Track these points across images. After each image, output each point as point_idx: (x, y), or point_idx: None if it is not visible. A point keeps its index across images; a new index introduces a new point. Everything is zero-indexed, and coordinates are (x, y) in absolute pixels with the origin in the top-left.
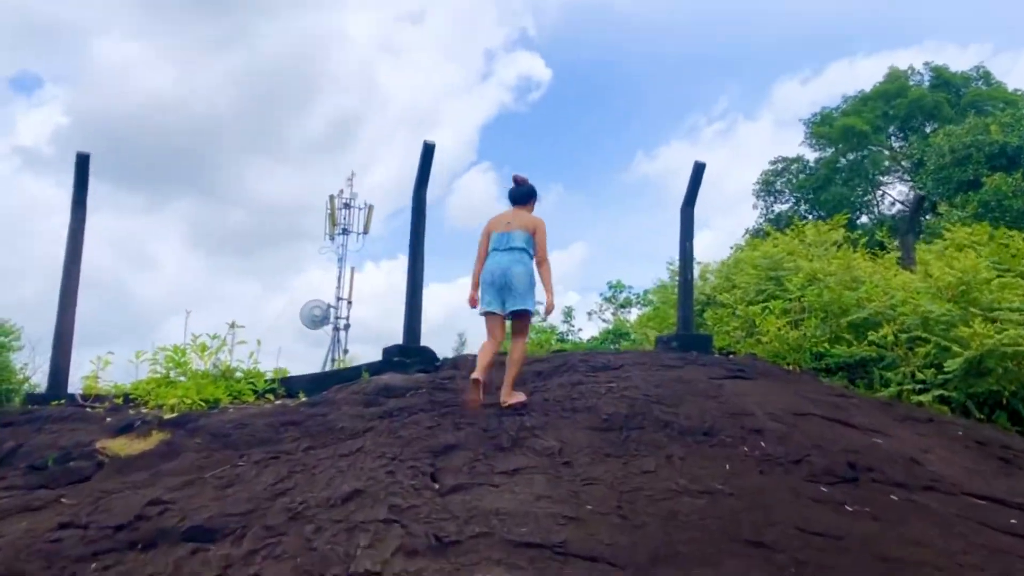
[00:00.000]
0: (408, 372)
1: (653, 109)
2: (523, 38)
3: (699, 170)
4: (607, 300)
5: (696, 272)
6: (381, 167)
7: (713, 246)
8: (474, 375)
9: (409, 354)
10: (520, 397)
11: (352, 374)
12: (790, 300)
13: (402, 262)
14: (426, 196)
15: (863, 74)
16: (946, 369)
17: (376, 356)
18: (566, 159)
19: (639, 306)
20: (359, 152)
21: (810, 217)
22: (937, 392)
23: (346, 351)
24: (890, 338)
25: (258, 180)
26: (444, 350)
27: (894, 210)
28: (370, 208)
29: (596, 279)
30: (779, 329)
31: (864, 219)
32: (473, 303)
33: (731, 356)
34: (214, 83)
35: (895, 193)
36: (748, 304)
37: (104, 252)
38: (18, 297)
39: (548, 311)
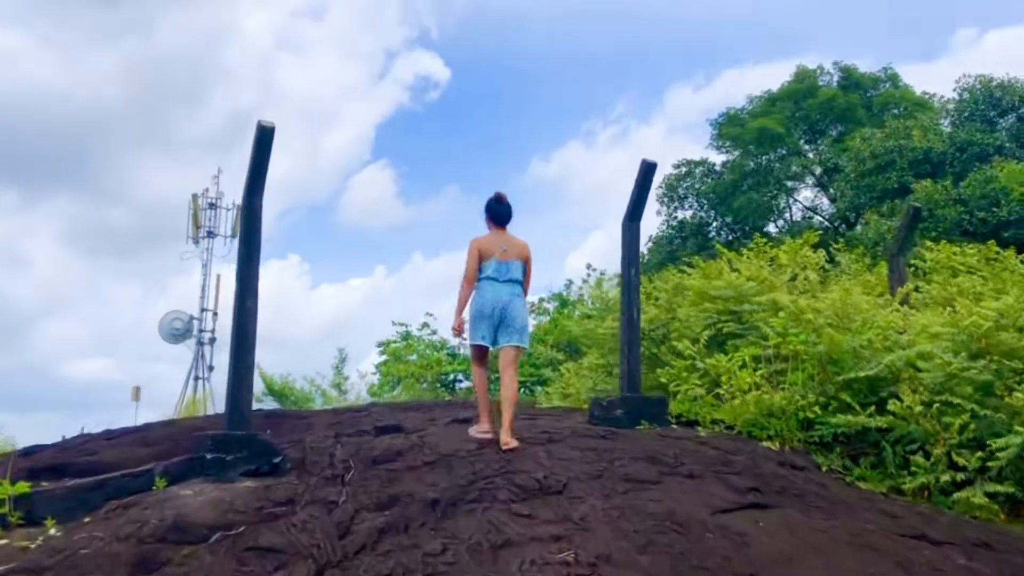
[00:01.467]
0: (227, 477)
1: (550, 112)
2: (423, 38)
3: (648, 172)
4: None
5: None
6: (274, 165)
7: (608, 251)
8: (489, 431)
9: (231, 447)
10: (516, 443)
11: (139, 483)
12: (764, 346)
13: (293, 263)
14: (261, 205)
15: (752, 83)
16: (995, 451)
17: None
18: (462, 160)
19: (533, 315)
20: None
21: (714, 225)
22: (989, 488)
23: (211, 368)
24: (917, 407)
25: (144, 177)
26: (323, 365)
27: (800, 218)
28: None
29: None
30: (755, 387)
31: (772, 227)
32: (459, 330)
33: (697, 429)
34: (101, 75)
35: (802, 199)
36: (694, 343)
37: None
38: None
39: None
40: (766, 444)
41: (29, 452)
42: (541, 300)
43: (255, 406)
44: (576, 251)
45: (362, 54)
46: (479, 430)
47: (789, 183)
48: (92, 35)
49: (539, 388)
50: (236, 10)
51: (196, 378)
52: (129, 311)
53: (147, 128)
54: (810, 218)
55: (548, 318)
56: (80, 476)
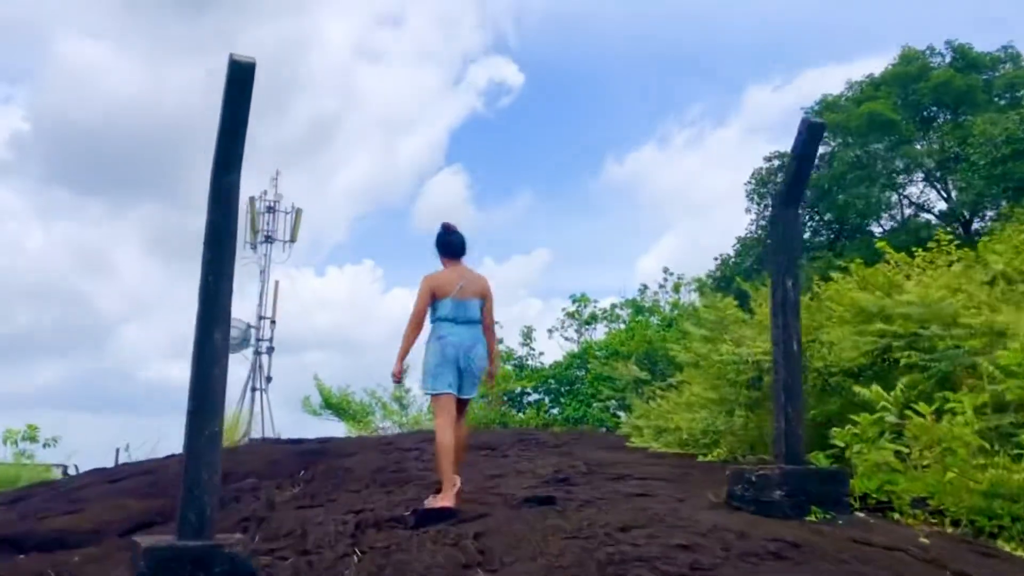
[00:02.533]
0: None
1: (624, 114)
2: (499, 43)
3: (813, 135)
4: (570, 316)
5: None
6: (354, 170)
7: (680, 255)
8: (453, 487)
9: (181, 569)
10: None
11: None
12: (991, 391)
13: (367, 267)
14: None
15: (832, 83)
16: None
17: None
18: (535, 164)
19: (605, 322)
20: (334, 155)
21: (810, 224)
22: None
23: (269, 378)
24: None
25: (280, 192)
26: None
27: (908, 216)
28: (297, 212)
29: (558, 285)
30: (994, 461)
31: (876, 227)
32: (398, 377)
33: (896, 519)
34: (185, 86)
35: (912, 195)
36: (845, 375)
37: (61, 259)
38: None
39: (491, 378)
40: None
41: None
42: (613, 307)
43: (305, 429)
44: (647, 254)
45: (439, 60)
46: (443, 501)
47: (900, 177)
48: (177, 47)
49: (621, 414)
50: (317, 20)
51: (253, 389)
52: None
53: None
54: (916, 216)
55: (622, 326)
56: (38, 550)
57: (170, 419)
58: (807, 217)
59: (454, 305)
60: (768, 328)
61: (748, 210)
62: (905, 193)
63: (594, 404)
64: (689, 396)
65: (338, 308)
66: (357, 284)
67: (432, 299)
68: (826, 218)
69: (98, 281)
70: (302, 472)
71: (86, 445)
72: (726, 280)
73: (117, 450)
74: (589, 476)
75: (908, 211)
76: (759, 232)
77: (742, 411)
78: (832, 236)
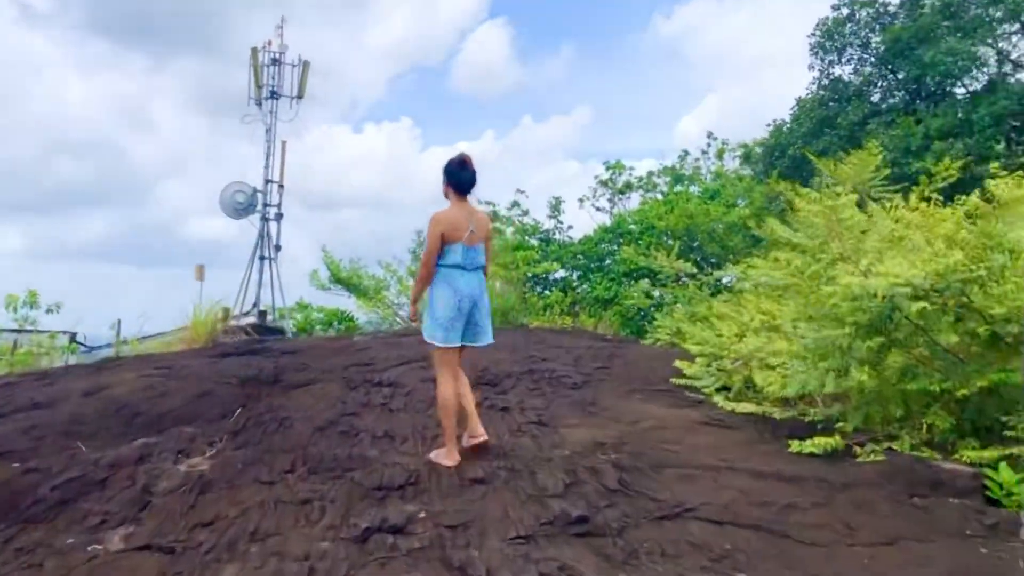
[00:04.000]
0: None
1: None
2: None
3: None
4: (603, 184)
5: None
6: (386, 26)
7: (725, 118)
8: (457, 457)
9: None
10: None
11: None
12: None
13: (405, 126)
14: None
15: None
16: None
17: None
18: (581, 16)
19: (640, 191)
20: (372, 10)
21: (880, 84)
22: None
23: (278, 247)
24: None
25: (269, 38)
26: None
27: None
28: (305, 64)
29: (597, 147)
30: None
31: (960, 89)
32: (415, 318)
33: None
34: None
35: (1005, 50)
36: None
37: (102, 113)
38: (9, 155)
39: None
40: None
41: None
42: (650, 174)
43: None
44: (689, 115)
45: None
46: (449, 457)
47: (998, 27)
48: None
49: (657, 295)
50: None
51: (261, 258)
52: (245, 171)
53: None
54: (1012, 75)
55: (660, 195)
56: None
57: (211, 269)
58: (876, 77)
59: (464, 251)
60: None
61: (811, 67)
62: (999, 47)
63: (624, 284)
64: (758, 323)
65: (375, 166)
66: (395, 142)
67: (442, 243)
68: (899, 76)
69: (138, 135)
70: (235, 413)
71: (127, 300)
72: (780, 149)
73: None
74: (632, 498)
75: (1005, 69)
76: (823, 93)
77: (860, 368)
78: (908, 98)
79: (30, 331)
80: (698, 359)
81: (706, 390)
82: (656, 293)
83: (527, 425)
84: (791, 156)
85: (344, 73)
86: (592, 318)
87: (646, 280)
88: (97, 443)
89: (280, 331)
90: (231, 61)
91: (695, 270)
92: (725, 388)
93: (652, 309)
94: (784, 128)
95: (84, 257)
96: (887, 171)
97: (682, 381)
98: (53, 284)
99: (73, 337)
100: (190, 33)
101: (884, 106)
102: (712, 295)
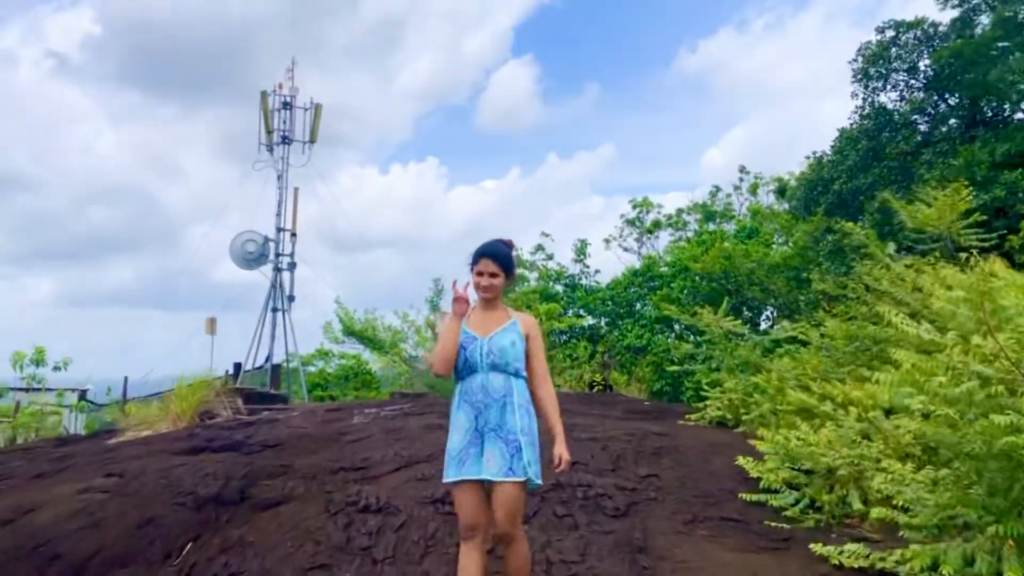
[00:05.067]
0: None
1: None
2: None
3: None
4: (630, 223)
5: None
6: (414, 67)
7: (752, 149)
8: None
9: None
10: None
11: None
12: None
13: (432, 165)
14: None
15: None
16: None
17: None
18: (606, 54)
19: (669, 229)
20: (400, 54)
21: (932, 112)
22: None
23: (291, 298)
24: None
25: (279, 81)
26: (456, 270)
27: None
28: (317, 108)
29: (622, 182)
30: None
31: (1020, 115)
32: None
33: None
34: None
35: None
36: None
37: (133, 161)
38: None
39: None
40: None
41: None
42: (679, 212)
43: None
44: (715, 147)
45: None
46: None
47: None
48: None
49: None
50: None
51: (273, 310)
52: (262, 219)
53: (299, 39)
54: None
55: (690, 234)
56: None
57: (236, 312)
58: (926, 103)
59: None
60: None
61: (854, 95)
62: None
63: (659, 334)
64: (853, 423)
65: (402, 206)
66: (421, 182)
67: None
68: (951, 103)
69: (167, 182)
70: (181, 554)
71: (154, 344)
72: (822, 183)
73: (125, 379)
74: None
75: None
76: (867, 122)
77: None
78: (963, 126)
79: (38, 389)
80: (768, 457)
81: (788, 511)
82: (700, 348)
83: None
84: (836, 191)
85: (371, 115)
86: (624, 375)
87: (688, 343)
88: None
89: (281, 398)
90: (257, 108)
91: (744, 329)
92: (811, 505)
93: (689, 360)
94: (825, 161)
95: (114, 302)
96: (977, 215)
97: (754, 497)
98: (80, 331)
99: (83, 395)
100: (219, 79)
101: (937, 134)
102: (765, 353)
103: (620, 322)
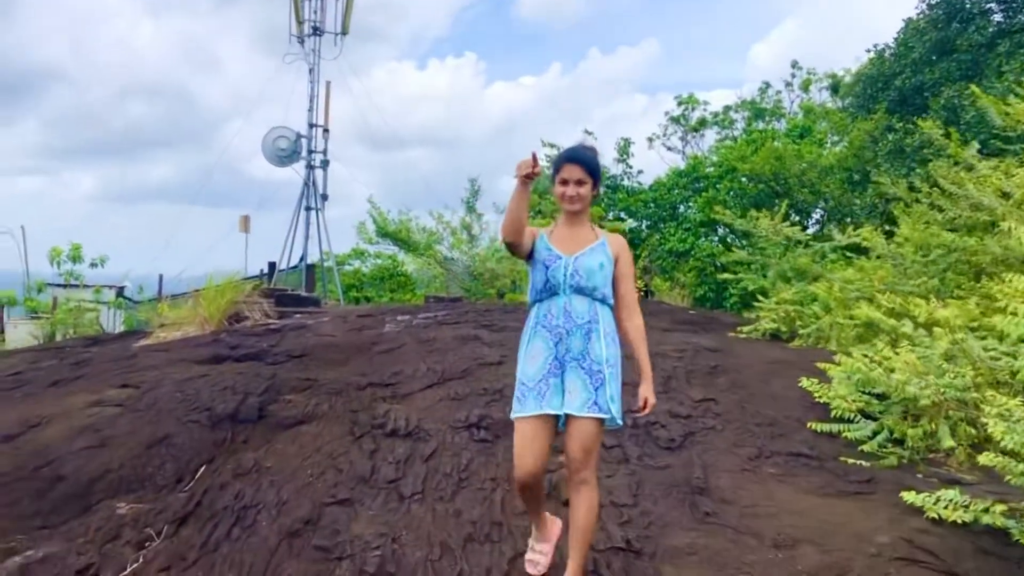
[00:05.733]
0: None
1: None
2: None
3: None
4: (674, 121)
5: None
6: None
7: (804, 43)
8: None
9: None
10: None
11: None
12: None
13: (470, 60)
14: None
15: None
16: None
17: None
18: None
19: (715, 128)
20: None
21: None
22: None
23: (324, 196)
24: None
25: None
26: (491, 167)
27: None
28: None
29: (666, 78)
30: None
31: None
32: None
33: None
34: None
35: None
36: None
37: (170, 54)
38: (85, 100)
39: None
40: None
41: None
42: (727, 109)
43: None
44: (762, 42)
45: None
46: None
47: None
48: None
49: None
50: None
51: (307, 208)
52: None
53: None
54: None
55: (737, 132)
56: None
57: (272, 210)
58: None
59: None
60: None
61: None
62: None
63: (703, 238)
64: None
65: (439, 103)
66: (459, 78)
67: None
68: None
69: (204, 76)
70: (193, 477)
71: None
72: (884, 79)
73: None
74: None
75: None
76: (937, 12)
77: None
78: None
79: (75, 286)
80: (837, 381)
81: (865, 446)
82: (749, 254)
83: (609, 555)
84: (897, 87)
85: (409, 7)
86: (666, 280)
87: (744, 248)
88: None
89: (314, 301)
90: None
91: (802, 232)
92: (893, 439)
93: (739, 267)
94: (887, 54)
95: (154, 198)
96: None
97: (825, 427)
98: (120, 227)
99: (120, 292)
100: None
101: (1015, 24)
102: (819, 260)
103: (662, 225)
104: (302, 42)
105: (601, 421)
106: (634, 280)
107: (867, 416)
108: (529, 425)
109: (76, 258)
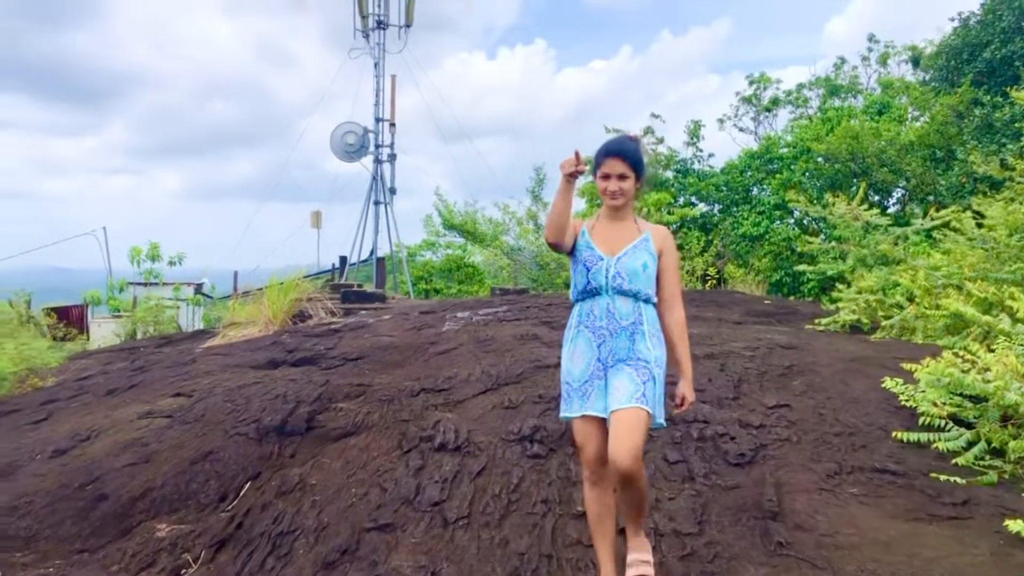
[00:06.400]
0: None
1: None
2: None
3: None
4: (746, 101)
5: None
6: None
7: (884, 16)
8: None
9: None
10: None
11: None
12: None
13: (539, 48)
14: None
15: None
16: None
17: None
18: None
19: (789, 107)
20: None
21: None
22: None
23: (392, 190)
24: None
25: None
26: (563, 155)
27: None
28: None
29: (739, 57)
30: None
31: None
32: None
33: None
34: None
35: None
36: None
37: (248, 53)
38: (168, 100)
39: None
40: None
41: None
42: (800, 87)
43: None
44: (838, 16)
45: None
46: None
47: None
48: None
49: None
50: None
51: (376, 203)
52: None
53: None
54: None
55: (812, 111)
56: None
57: (344, 204)
58: None
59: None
60: None
61: None
62: None
63: (777, 221)
64: None
65: (509, 92)
66: (529, 66)
67: None
68: None
69: (282, 74)
70: (237, 495)
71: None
72: (970, 49)
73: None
74: None
75: None
76: None
77: None
78: None
79: (155, 284)
80: (924, 382)
81: (960, 458)
82: (827, 241)
83: None
84: (985, 59)
85: None
86: (740, 266)
87: (819, 237)
88: (24, 556)
89: (379, 296)
90: None
91: (886, 220)
92: (991, 449)
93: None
94: (972, 24)
95: (236, 195)
96: None
97: (913, 436)
98: (204, 224)
99: (198, 288)
100: None
101: None
102: (900, 243)
103: (735, 209)
104: (367, 37)
105: (647, 414)
106: (679, 272)
107: (960, 423)
108: (581, 422)
109: (155, 257)
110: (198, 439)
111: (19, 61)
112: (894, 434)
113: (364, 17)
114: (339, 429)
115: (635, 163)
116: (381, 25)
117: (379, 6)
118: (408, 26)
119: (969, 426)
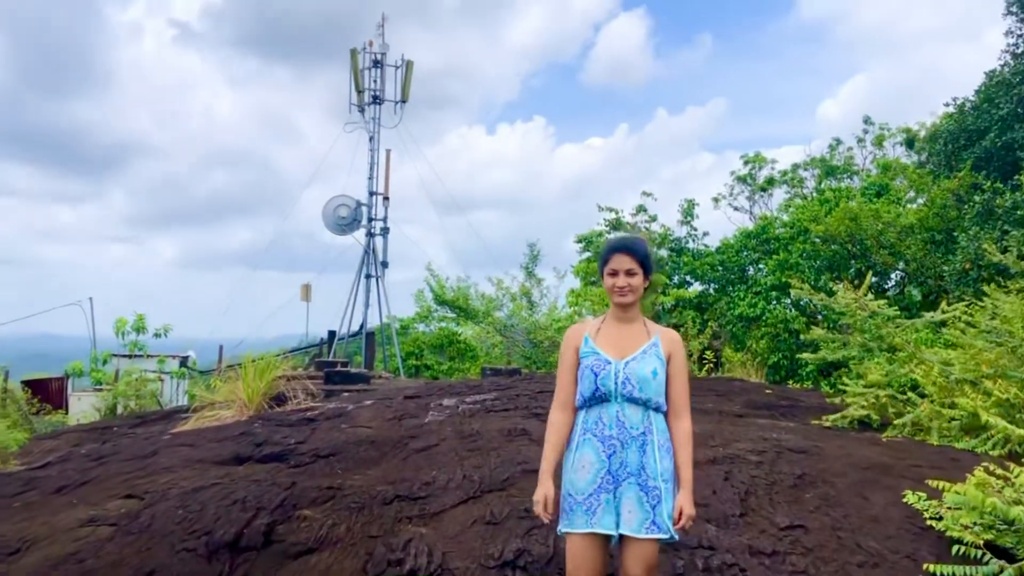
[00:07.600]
0: None
1: None
2: None
3: None
4: (741, 180)
5: None
6: (521, 25)
7: (874, 99)
8: None
9: None
10: None
11: None
12: None
13: (538, 125)
14: None
15: None
16: None
17: None
18: (720, 4)
19: (784, 187)
20: (509, 13)
21: None
22: None
23: (384, 264)
24: None
25: (407, 46)
26: (561, 228)
27: None
28: (408, 65)
29: (733, 137)
30: None
31: None
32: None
33: None
34: None
35: None
36: None
37: (250, 125)
38: (169, 169)
39: None
40: None
41: None
42: (795, 167)
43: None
44: (831, 99)
45: None
46: None
47: None
48: None
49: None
50: None
51: (367, 276)
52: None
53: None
54: None
55: (807, 191)
56: None
57: (335, 275)
58: None
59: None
60: None
61: (1009, 32)
62: None
63: (774, 302)
64: None
65: (509, 166)
66: (527, 141)
67: None
68: None
69: (283, 145)
70: None
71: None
72: (967, 134)
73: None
74: None
75: None
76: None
77: None
78: None
79: (140, 356)
80: (950, 502)
81: None
82: (828, 326)
83: None
84: (985, 146)
85: (479, 74)
86: (737, 349)
87: (818, 318)
88: None
89: (363, 378)
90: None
91: (889, 307)
92: None
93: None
94: (968, 109)
95: (232, 263)
96: None
97: (947, 571)
98: (196, 293)
99: (183, 361)
100: (333, 40)
101: None
102: (896, 325)
103: (731, 289)
104: (362, 111)
105: (658, 542)
106: (687, 380)
107: (997, 552)
108: (580, 541)
109: (140, 328)
110: (140, 555)
111: (23, 129)
112: (925, 567)
113: (360, 92)
114: (299, 545)
115: (643, 259)
116: (376, 100)
117: (375, 81)
118: (404, 101)
119: (1012, 558)
